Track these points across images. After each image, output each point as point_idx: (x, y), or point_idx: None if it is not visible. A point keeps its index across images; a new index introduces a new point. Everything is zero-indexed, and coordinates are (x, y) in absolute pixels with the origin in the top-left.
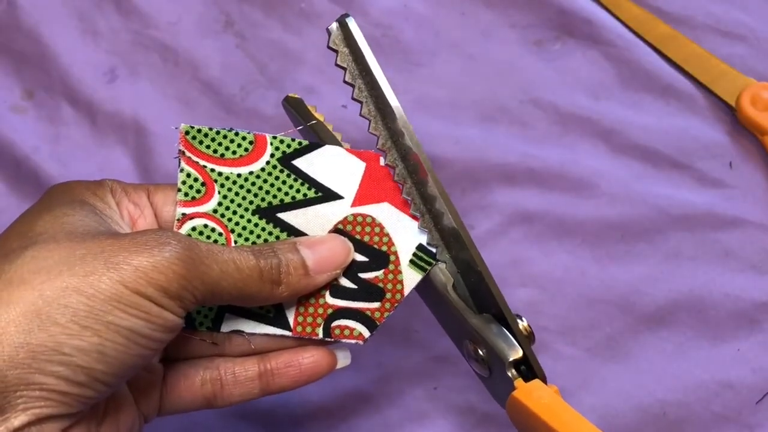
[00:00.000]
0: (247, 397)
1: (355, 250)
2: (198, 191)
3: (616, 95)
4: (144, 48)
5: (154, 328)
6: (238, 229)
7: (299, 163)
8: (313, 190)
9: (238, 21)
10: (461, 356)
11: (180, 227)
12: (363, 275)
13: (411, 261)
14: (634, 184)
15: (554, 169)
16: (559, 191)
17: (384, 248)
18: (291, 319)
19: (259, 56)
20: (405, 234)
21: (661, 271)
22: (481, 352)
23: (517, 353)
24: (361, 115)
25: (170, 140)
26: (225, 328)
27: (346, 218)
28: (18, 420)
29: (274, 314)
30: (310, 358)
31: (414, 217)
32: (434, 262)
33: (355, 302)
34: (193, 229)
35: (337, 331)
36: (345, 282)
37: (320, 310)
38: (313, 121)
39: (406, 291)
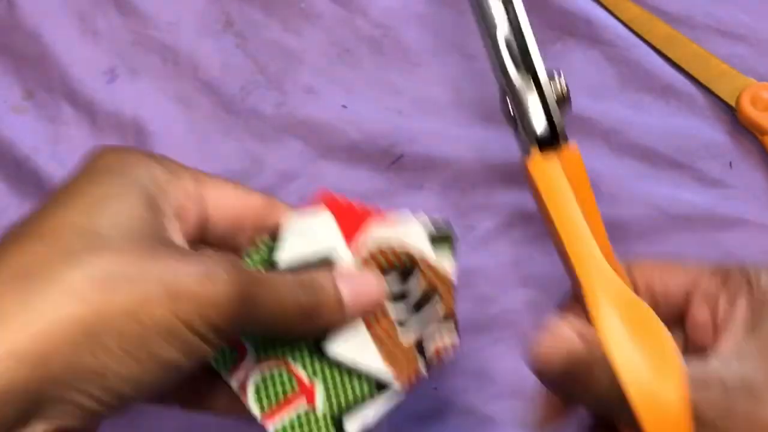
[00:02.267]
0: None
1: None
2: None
3: (616, 95)
4: (144, 48)
5: (191, 360)
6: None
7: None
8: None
9: (238, 21)
10: (461, 356)
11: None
12: (411, 298)
13: (434, 248)
14: (634, 184)
15: None
16: None
17: (406, 259)
18: (390, 377)
19: (259, 56)
20: (411, 235)
21: None
22: (510, 108)
23: (541, 122)
24: None
25: (170, 140)
26: (349, 426)
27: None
28: (40, 428)
29: (378, 389)
30: None
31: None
32: (451, 233)
33: (424, 322)
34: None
35: (434, 360)
36: (404, 314)
37: (410, 354)
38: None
39: (451, 276)
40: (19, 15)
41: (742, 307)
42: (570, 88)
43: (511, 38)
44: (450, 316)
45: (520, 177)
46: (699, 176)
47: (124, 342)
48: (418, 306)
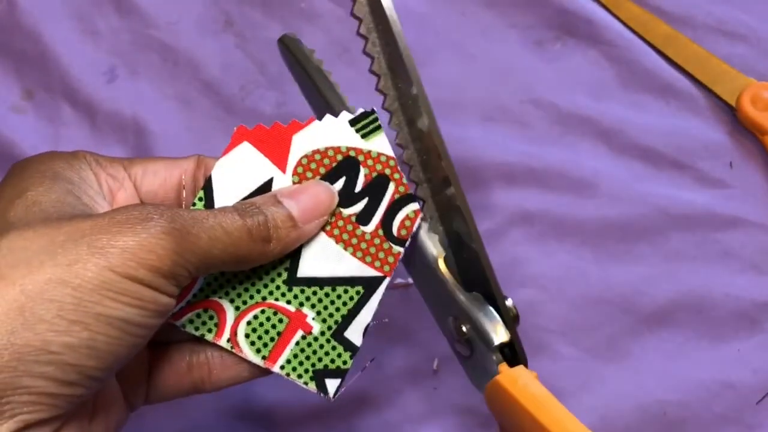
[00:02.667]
0: (237, 380)
1: (332, 183)
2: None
3: (616, 95)
4: (144, 48)
5: (147, 314)
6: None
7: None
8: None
9: (238, 21)
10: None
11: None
12: (357, 188)
13: (362, 136)
14: (634, 184)
15: (554, 169)
16: (560, 191)
17: (339, 156)
18: (372, 271)
19: (259, 56)
20: (333, 131)
21: (661, 271)
22: (464, 330)
23: (504, 336)
24: (371, 71)
25: (170, 140)
26: (351, 335)
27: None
28: (5, 428)
29: (365, 287)
30: None
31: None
32: (375, 115)
33: (382, 204)
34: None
35: (403, 231)
36: (358, 207)
37: (377, 241)
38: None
39: (389, 152)
40: (19, 15)
41: None
42: (570, 88)
43: (452, 258)
44: (405, 192)
45: (520, 177)
46: (699, 176)
47: (61, 310)
48: (370, 194)
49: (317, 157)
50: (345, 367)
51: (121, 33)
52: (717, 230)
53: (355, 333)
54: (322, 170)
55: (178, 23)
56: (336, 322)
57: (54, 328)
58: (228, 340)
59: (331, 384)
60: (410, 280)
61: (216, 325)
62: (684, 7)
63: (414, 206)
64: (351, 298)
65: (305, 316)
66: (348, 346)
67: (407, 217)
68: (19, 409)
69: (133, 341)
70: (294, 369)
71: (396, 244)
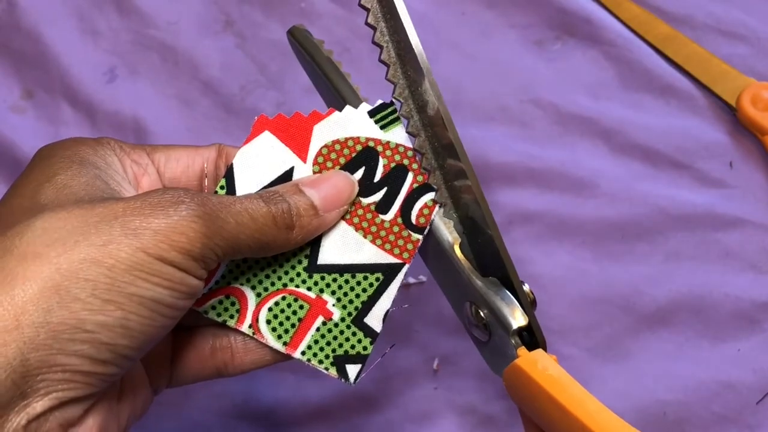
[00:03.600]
0: (259, 364)
1: (351, 173)
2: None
3: (616, 95)
4: (144, 48)
5: (177, 296)
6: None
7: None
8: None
9: (238, 21)
10: (461, 356)
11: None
12: (376, 178)
13: (381, 127)
14: (634, 184)
15: (554, 169)
16: (559, 191)
17: (359, 147)
18: (391, 258)
19: (259, 56)
20: (353, 122)
21: (661, 271)
22: (482, 315)
23: (522, 320)
24: (380, 60)
25: (170, 140)
26: (371, 321)
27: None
28: (40, 405)
29: (385, 273)
30: None
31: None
32: (394, 107)
33: (400, 193)
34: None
35: (422, 220)
36: (378, 196)
37: (396, 229)
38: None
39: (408, 143)
40: (19, 15)
41: None
42: (570, 88)
43: (467, 244)
44: (423, 181)
45: (520, 177)
46: (699, 176)
47: (95, 289)
48: (389, 184)
49: (337, 147)
50: (365, 352)
51: (121, 33)
52: (717, 230)
53: (375, 319)
54: (342, 160)
55: (178, 23)
56: (356, 308)
57: (88, 307)
58: (249, 326)
59: (352, 370)
60: (411, 280)
61: (238, 311)
62: (684, 7)
63: (432, 195)
64: (371, 285)
65: (325, 302)
66: (368, 331)
67: (425, 205)
68: (53, 387)
69: (163, 322)
70: (315, 355)
71: (415, 231)
